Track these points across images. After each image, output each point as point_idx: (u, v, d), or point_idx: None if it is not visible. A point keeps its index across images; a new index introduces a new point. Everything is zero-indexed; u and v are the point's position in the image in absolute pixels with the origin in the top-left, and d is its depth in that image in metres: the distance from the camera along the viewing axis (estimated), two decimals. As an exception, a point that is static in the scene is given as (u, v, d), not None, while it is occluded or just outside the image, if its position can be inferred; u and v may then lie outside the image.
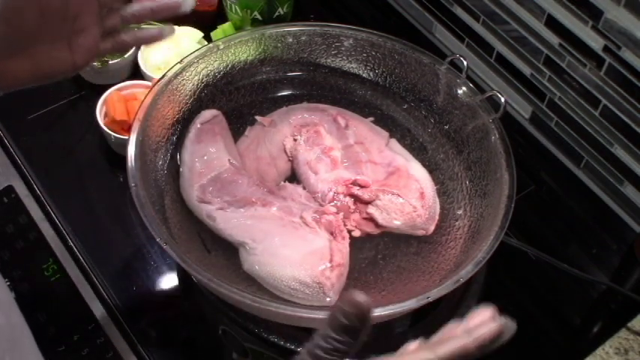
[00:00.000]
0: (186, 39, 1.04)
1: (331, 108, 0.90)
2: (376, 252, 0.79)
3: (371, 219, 0.80)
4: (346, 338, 0.46)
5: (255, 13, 1.08)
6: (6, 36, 0.63)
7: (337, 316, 0.46)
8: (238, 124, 0.89)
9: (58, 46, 0.66)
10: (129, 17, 0.70)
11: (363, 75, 0.93)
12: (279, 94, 0.93)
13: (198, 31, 1.06)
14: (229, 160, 0.82)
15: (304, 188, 0.82)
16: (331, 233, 0.76)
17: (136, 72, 1.04)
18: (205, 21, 1.11)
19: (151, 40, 0.73)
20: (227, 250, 0.77)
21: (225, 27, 1.08)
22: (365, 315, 0.45)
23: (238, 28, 1.09)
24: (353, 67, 0.93)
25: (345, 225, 0.79)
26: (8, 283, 0.78)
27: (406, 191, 0.80)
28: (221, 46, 0.88)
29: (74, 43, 0.66)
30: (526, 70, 1.01)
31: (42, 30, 0.64)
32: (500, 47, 1.03)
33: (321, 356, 0.47)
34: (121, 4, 0.70)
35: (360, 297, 0.45)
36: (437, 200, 0.82)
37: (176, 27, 1.06)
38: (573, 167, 1.02)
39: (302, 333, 0.71)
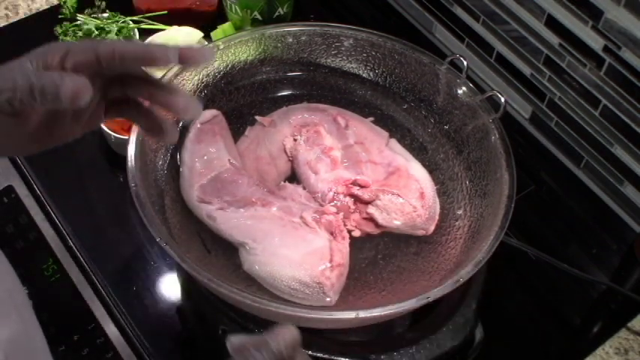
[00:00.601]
0: (186, 39, 1.04)
1: (331, 108, 0.90)
2: (376, 252, 0.79)
3: (371, 219, 0.80)
4: None
5: (255, 13, 1.08)
6: (13, 138, 0.58)
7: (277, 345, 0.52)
8: (238, 124, 0.89)
9: (64, 125, 0.60)
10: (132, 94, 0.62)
11: (363, 75, 0.93)
12: (279, 94, 0.93)
13: (198, 31, 1.06)
14: (229, 160, 0.81)
15: (304, 188, 0.82)
16: (331, 233, 0.76)
17: (136, 72, 1.04)
18: (205, 21, 1.11)
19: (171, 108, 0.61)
20: (227, 250, 0.77)
21: (225, 27, 1.08)
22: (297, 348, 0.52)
23: (238, 28, 1.09)
24: (353, 67, 0.93)
25: (345, 225, 0.79)
26: (27, 291, 0.77)
27: (406, 191, 0.80)
28: (221, 46, 0.88)
29: (80, 121, 0.61)
30: (526, 70, 1.01)
31: (43, 124, 0.58)
32: (500, 47, 1.03)
33: None
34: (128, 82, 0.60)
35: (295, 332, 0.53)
36: (437, 200, 0.82)
37: (176, 27, 1.06)
38: (573, 167, 1.02)
39: (302, 333, 0.71)
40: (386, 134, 0.88)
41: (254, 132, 0.88)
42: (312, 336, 0.71)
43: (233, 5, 1.08)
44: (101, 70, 0.55)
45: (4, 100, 0.52)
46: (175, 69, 0.84)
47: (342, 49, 0.92)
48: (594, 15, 0.87)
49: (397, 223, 0.79)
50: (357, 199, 0.81)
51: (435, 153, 0.88)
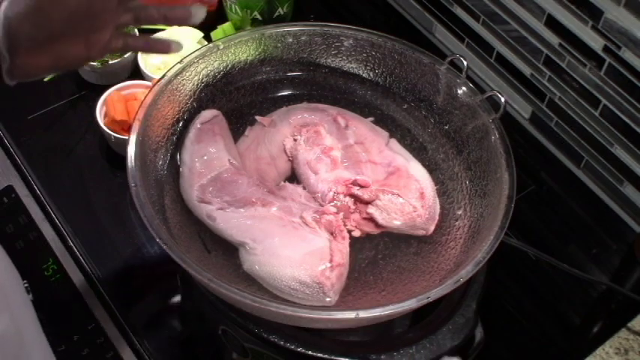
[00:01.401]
0: (186, 39, 1.04)
1: (331, 108, 0.90)
2: (376, 252, 0.79)
3: (371, 219, 0.80)
4: None
5: (255, 13, 1.08)
6: (32, 36, 0.65)
7: None
8: (238, 124, 0.89)
9: (76, 42, 0.68)
10: (142, 19, 0.72)
11: (363, 75, 0.93)
12: (279, 94, 0.93)
13: (198, 31, 1.06)
14: (229, 160, 0.81)
15: (304, 188, 0.82)
16: (331, 233, 0.76)
17: (136, 72, 1.04)
18: (205, 21, 1.11)
19: (159, 50, 0.76)
20: (227, 250, 0.77)
21: (225, 27, 1.08)
22: None
23: (238, 28, 1.09)
24: (353, 67, 0.93)
25: (345, 225, 0.79)
26: (26, 285, 0.78)
27: (406, 191, 0.80)
28: (221, 46, 0.88)
29: (90, 39, 0.69)
30: (526, 70, 1.01)
31: (65, 30, 0.66)
32: (500, 47, 1.03)
33: None
34: (136, 3, 0.72)
35: None
36: (437, 200, 0.82)
37: (176, 27, 1.06)
38: (573, 167, 1.02)
39: (302, 333, 0.71)
40: (386, 134, 0.88)
41: (254, 132, 0.88)
42: (312, 336, 0.71)
43: (233, 5, 1.08)
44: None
45: None
46: (176, 68, 0.84)
47: (342, 49, 0.92)
48: (594, 15, 0.87)
49: (397, 223, 0.79)
50: (357, 199, 0.81)
51: (435, 153, 0.88)
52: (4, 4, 0.65)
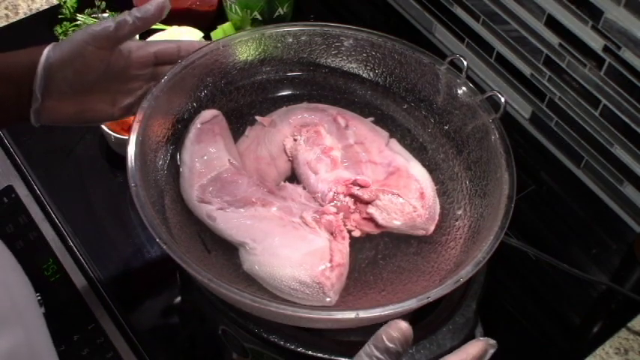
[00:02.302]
0: (186, 39, 1.04)
1: (331, 108, 0.90)
2: (376, 252, 0.79)
3: (371, 219, 0.80)
4: (387, 358, 0.55)
5: (255, 13, 1.08)
6: (68, 82, 0.69)
7: (383, 338, 0.55)
8: (238, 124, 0.89)
9: (105, 99, 0.73)
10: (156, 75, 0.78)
11: (363, 75, 0.93)
12: (279, 94, 0.93)
13: (198, 31, 1.06)
14: (229, 160, 0.81)
15: (304, 188, 0.82)
16: (331, 233, 0.76)
17: (135, 72, 1.04)
18: (205, 21, 1.11)
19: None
20: (227, 250, 0.77)
21: (225, 27, 1.08)
22: (407, 341, 0.56)
23: (238, 28, 1.09)
24: (353, 67, 0.93)
25: (345, 225, 0.79)
26: (39, 298, 0.78)
27: (406, 191, 0.80)
28: (221, 46, 0.88)
29: (119, 100, 0.74)
30: (526, 70, 1.01)
31: (99, 83, 0.71)
32: (500, 47, 1.03)
33: None
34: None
35: (405, 325, 0.56)
36: (437, 200, 0.82)
37: (176, 27, 1.06)
38: (573, 167, 1.02)
39: (302, 333, 0.71)
40: (386, 134, 0.88)
41: (254, 132, 0.88)
42: (312, 336, 0.71)
43: (233, 5, 1.08)
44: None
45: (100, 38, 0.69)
46: (176, 68, 0.84)
47: (342, 49, 0.92)
48: (594, 15, 0.87)
49: (397, 223, 0.79)
50: (357, 199, 0.81)
51: (435, 153, 0.88)
52: (49, 47, 0.69)
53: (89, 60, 0.69)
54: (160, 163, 0.82)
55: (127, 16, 0.71)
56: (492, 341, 0.62)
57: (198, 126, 0.84)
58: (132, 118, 0.82)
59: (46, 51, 0.69)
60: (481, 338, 0.63)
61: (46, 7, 1.14)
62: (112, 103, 0.74)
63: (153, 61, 0.77)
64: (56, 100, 0.70)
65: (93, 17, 1.07)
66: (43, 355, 0.56)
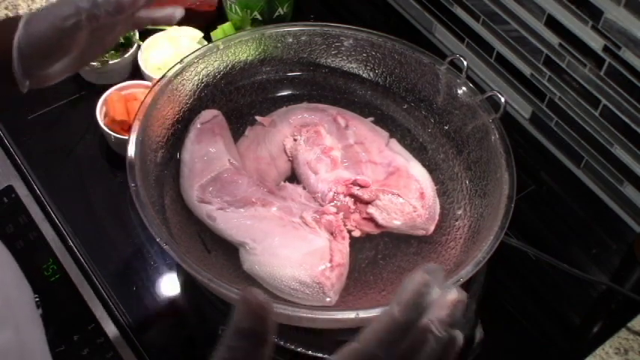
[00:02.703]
0: (186, 39, 1.04)
1: (331, 108, 0.90)
2: (376, 252, 0.79)
3: (371, 219, 0.80)
4: (245, 344, 0.38)
5: (255, 13, 1.08)
6: (56, 52, 0.69)
7: (235, 320, 0.40)
8: (238, 124, 0.89)
9: (93, 48, 0.73)
10: (136, 23, 0.76)
11: (363, 75, 0.93)
12: (279, 94, 0.93)
13: (198, 31, 1.06)
14: (229, 160, 0.82)
15: (304, 188, 0.82)
16: (331, 233, 0.76)
17: (135, 72, 1.04)
18: (205, 21, 1.11)
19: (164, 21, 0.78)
20: (227, 250, 0.77)
21: (225, 27, 1.08)
22: (265, 316, 0.38)
23: (238, 28, 1.09)
24: (353, 67, 0.93)
25: (345, 225, 0.79)
26: (37, 299, 0.77)
27: (406, 191, 0.80)
28: (221, 46, 0.88)
29: (107, 40, 0.74)
30: (526, 70, 1.01)
31: (89, 42, 0.70)
32: (500, 47, 1.03)
33: None
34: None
35: (258, 295, 0.39)
36: (437, 200, 0.82)
37: (176, 27, 1.06)
38: (573, 167, 1.02)
39: (302, 333, 0.71)
40: (386, 134, 0.88)
41: (254, 132, 0.88)
42: (312, 336, 0.71)
43: (233, 5, 1.08)
44: None
45: (71, 24, 0.66)
46: (176, 68, 0.84)
47: (342, 49, 0.92)
48: (594, 15, 0.87)
49: (397, 223, 0.79)
50: (357, 199, 0.81)
51: (435, 153, 0.88)
52: (17, 34, 0.68)
53: (59, 39, 0.68)
54: (160, 163, 0.82)
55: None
56: (434, 267, 0.46)
57: (198, 126, 0.84)
58: (132, 118, 0.82)
59: (15, 38, 0.68)
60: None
61: (46, 7, 1.14)
62: (101, 46, 0.74)
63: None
64: (50, 66, 0.70)
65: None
66: (34, 355, 0.56)
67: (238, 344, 0.39)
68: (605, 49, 0.88)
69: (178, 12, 0.76)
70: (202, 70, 0.87)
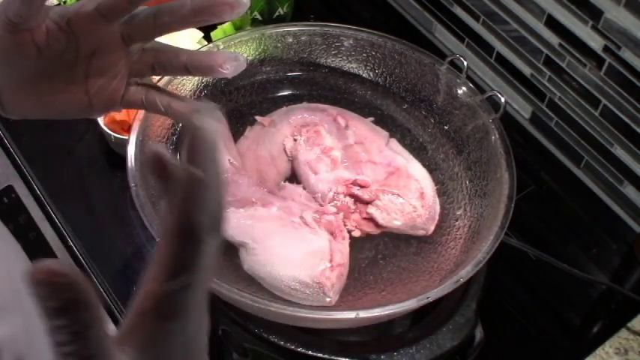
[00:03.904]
0: (186, 39, 1.04)
1: (331, 108, 0.90)
2: (376, 252, 0.79)
3: (371, 219, 0.80)
4: (66, 322, 0.31)
5: (255, 13, 1.08)
6: (4, 75, 0.57)
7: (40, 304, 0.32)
8: (238, 124, 0.89)
9: (71, 87, 0.58)
10: (160, 67, 0.60)
11: (363, 75, 0.93)
12: (279, 94, 0.93)
13: (198, 31, 1.06)
14: (229, 160, 0.81)
15: (304, 188, 0.82)
16: (331, 233, 0.76)
17: (136, 72, 1.04)
18: (205, 21, 1.11)
19: (182, 118, 0.62)
20: (227, 250, 0.76)
21: (225, 27, 1.08)
22: (66, 281, 0.29)
23: (238, 28, 1.09)
24: (353, 67, 0.93)
25: (345, 225, 0.79)
26: None
27: (406, 191, 0.80)
28: (221, 46, 0.88)
29: (92, 85, 0.58)
30: (526, 70, 1.01)
31: (46, 69, 0.56)
32: (500, 47, 1.03)
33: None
34: (154, 43, 0.60)
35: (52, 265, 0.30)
36: (437, 200, 0.82)
37: (176, 27, 1.06)
38: (573, 167, 1.02)
39: (302, 333, 0.71)
40: (386, 134, 0.88)
41: (254, 132, 0.88)
42: (312, 336, 0.71)
43: (233, 5, 1.08)
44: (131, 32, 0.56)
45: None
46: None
47: (342, 49, 0.92)
48: (594, 15, 0.87)
49: (397, 223, 0.79)
50: (357, 199, 0.81)
51: (435, 153, 0.88)
52: None
53: (5, 47, 0.54)
54: (160, 163, 0.82)
55: None
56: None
57: (199, 126, 0.84)
58: (132, 118, 0.82)
59: None
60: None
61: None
62: (84, 91, 0.58)
63: (99, 19, 0.55)
64: (10, 94, 0.58)
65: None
66: (41, 344, 0.56)
67: (57, 325, 0.31)
68: (605, 49, 0.88)
69: (235, 61, 0.59)
70: (202, 70, 0.87)
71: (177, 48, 0.60)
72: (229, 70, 0.58)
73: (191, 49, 0.89)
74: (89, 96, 0.59)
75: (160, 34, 0.58)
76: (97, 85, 0.58)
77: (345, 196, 0.81)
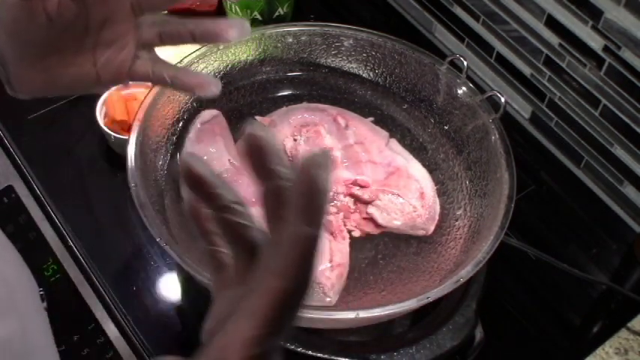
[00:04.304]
0: (186, 39, 1.04)
1: (331, 108, 0.90)
2: (376, 252, 0.79)
3: (371, 219, 0.80)
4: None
5: (255, 13, 1.08)
6: (13, 48, 0.57)
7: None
8: (238, 124, 0.89)
9: (80, 59, 0.58)
10: (166, 35, 0.61)
11: (363, 75, 0.93)
12: (279, 94, 0.93)
13: (198, 31, 1.06)
14: (229, 160, 0.82)
15: (304, 188, 0.82)
16: (331, 233, 0.76)
17: (136, 72, 1.04)
18: (205, 21, 1.11)
19: (194, 88, 0.62)
20: (227, 250, 0.76)
21: (225, 27, 1.08)
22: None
23: (238, 28, 1.09)
24: (353, 67, 0.93)
25: (345, 225, 0.79)
26: (42, 292, 0.76)
27: (406, 191, 0.80)
28: (221, 46, 0.88)
29: (100, 56, 0.58)
30: (526, 70, 1.01)
31: (55, 41, 0.56)
32: (500, 47, 1.03)
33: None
34: (160, 16, 0.61)
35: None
36: (437, 200, 0.82)
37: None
38: (573, 167, 1.02)
39: (302, 333, 0.71)
40: (386, 134, 0.88)
41: (254, 132, 0.88)
42: (312, 336, 0.71)
43: (233, 5, 1.08)
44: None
45: None
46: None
47: (342, 49, 0.92)
48: (594, 15, 0.87)
49: (397, 223, 0.79)
50: (357, 199, 0.81)
51: (435, 153, 0.88)
52: None
53: (25, 24, 0.54)
54: (160, 163, 0.82)
55: None
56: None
57: (198, 126, 0.84)
58: (132, 118, 0.82)
59: None
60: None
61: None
62: (92, 63, 0.58)
63: None
64: (19, 69, 0.58)
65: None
66: (38, 347, 0.56)
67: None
68: (605, 49, 0.88)
69: (239, 26, 0.60)
70: (202, 70, 0.87)
71: (183, 18, 0.61)
72: (234, 36, 0.59)
73: (191, 49, 0.89)
74: (97, 68, 0.58)
75: (172, 4, 0.60)
76: (105, 57, 0.58)
77: (345, 196, 0.81)
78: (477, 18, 1.05)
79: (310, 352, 0.70)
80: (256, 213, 0.79)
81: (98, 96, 0.96)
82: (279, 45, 0.91)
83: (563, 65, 0.95)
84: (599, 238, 0.96)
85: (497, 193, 0.77)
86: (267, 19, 1.09)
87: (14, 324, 0.53)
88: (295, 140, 0.86)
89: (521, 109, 1.06)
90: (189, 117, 0.86)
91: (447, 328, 0.73)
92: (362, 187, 0.81)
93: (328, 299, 0.72)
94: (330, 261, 0.73)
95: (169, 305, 0.84)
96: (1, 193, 0.91)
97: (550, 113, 1.01)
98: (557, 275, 0.88)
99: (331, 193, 0.80)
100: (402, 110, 0.92)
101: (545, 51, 0.96)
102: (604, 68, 0.89)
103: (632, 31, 0.83)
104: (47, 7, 0.54)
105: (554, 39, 0.94)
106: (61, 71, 0.58)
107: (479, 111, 0.84)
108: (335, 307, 0.72)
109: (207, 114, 0.85)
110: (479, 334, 0.76)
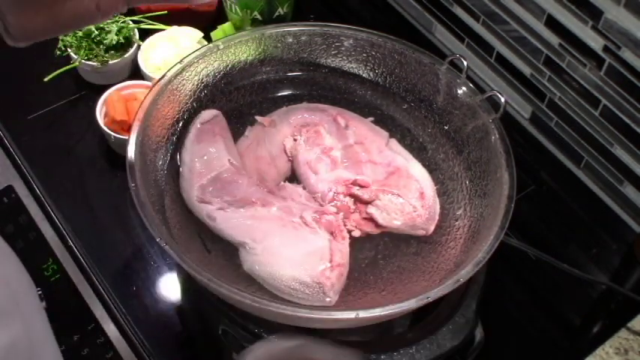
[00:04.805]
0: (186, 39, 1.04)
1: (331, 108, 0.90)
2: (376, 252, 0.79)
3: (371, 219, 0.80)
4: None
5: (255, 13, 1.08)
6: None
7: None
8: (238, 124, 0.89)
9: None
10: None
11: (363, 75, 0.93)
12: (279, 94, 0.93)
13: (198, 31, 1.06)
14: (229, 160, 0.82)
15: (304, 188, 0.82)
16: (331, 233, 0.76)
17: (136, 72, 1.04)
18: (205, 21, 1.11)
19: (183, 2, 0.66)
20: (227, 250, 0.77)
21: (225, 27, 1.08)
22: None
23: (238, 28, 1.09)
24: (353, 67, 0.93)
25: (345, 225, 0.79)
26: (40, 292, 0.76)
27: (406, 191, 0.80)
28: (221, 46, 0.88)
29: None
30: (526, 70, 1.01)
31: None
32: (500, 47, 1.03)
33: None
34: None
35: None
36: (437, 200, 0.82)
37: (176, 27, 1.06)
38: (573, 167, 1.02)
39: (302, 333, 0.71)
40: (386, 134, 0.88)
41: (254, 132, 0.88)
42: (312, 336, 0.71)
43: (233, 5, 1.08)
44: None
45: None
46: (176, 68, 0.84)
47: (342, 49, 0.92)
48: (594, 15, 0.87)
49: (397, 223, 0.79)
50: (357, 199, 0.81)
51: (435, 153, 0.88)
52: None
53: None
54: (160, 163, 0.82)
55: None
56: None
57: (198, 126, 0.84)
58: (132, 118, 0.82)
59: None
60: None
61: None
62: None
63: None
64: (18, 13, 0.57)
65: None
66: (42, 348, 0.56)
67: None
68: (605, 49, 0.88)
69: None
70: (202, 70, 0.87)
71: None
72: None
73: (191, 49, 0.89)
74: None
75: None
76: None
77: (345, 196, 0.81)
78: (477, 18, 1.05)
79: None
80: (256, 212, 0.79)
81: (98, 96, 0.96)
82: (279, 45, 0.91)
83: (563, 65, 0.95)
84: (599, 238, 0.96)
85: (497, 193, 0.77)
86: (267, 19, 1.09)
87: (19, 327, 0.53)
88: (295, 140, 0.86)
89: (521, 109, 1.06)
90: (189, 117, 0.86)
91: (447, 328, 0.73)
92: (362, 187, 0.81)
93: (328, 299, 0.72)
94: (330, 261, 0.73)
95: (169, 305, 0.84)
96: (1, 193, 0.91)
97: (550, 113, 1.01)
98: (557, 275, 0.88)
99: (331, 193, 0.81)
100: (402, 110, 0.92)
101: (545, 51, 0.96)
102: (604, 68, 0.89)
103: (632, 31, 0.84)
104: None
105: (554, 39, 0.94)
106: (59, 8, 0.58)
107: (479, 111, 0.84)
108: (335, 307, 0.72)
109: (207, 114, 0.85)
110: (479, 334, 0.76)
